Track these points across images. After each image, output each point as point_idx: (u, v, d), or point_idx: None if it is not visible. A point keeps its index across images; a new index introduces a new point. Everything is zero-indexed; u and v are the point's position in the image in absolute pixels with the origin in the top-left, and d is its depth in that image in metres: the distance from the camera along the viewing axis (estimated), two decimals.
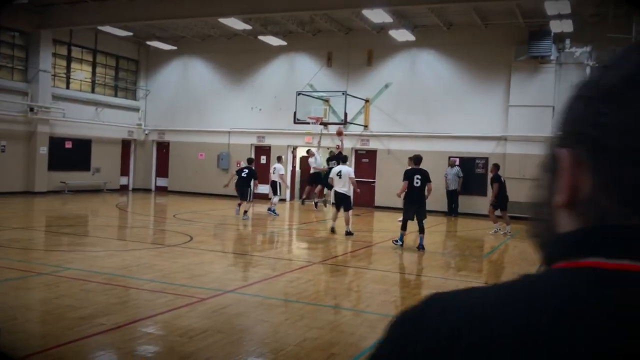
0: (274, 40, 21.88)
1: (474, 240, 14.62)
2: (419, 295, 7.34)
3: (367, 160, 21.54)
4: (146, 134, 25.50)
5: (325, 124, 20.17)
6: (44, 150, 21.16)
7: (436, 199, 18.93)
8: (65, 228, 12.77)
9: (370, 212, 19.83)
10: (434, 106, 20.39)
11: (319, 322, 5.89)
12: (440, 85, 20.41)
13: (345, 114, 19.66)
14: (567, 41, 18.56)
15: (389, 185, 20.02)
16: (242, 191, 15.61)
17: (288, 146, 22.99)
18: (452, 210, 19.34)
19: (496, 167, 14.91)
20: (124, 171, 25.23)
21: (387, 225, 15.67)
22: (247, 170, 15.83)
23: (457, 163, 19.68)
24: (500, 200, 14.38)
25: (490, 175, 16.00)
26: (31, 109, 20.69)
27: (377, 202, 20.86)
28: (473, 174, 19.82)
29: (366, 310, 6.66)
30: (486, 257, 11.56)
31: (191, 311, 6.05)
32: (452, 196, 19.32)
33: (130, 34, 22.46)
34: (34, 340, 4.93)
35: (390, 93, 21.01)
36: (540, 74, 18.93)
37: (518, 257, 11.20)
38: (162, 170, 25.56)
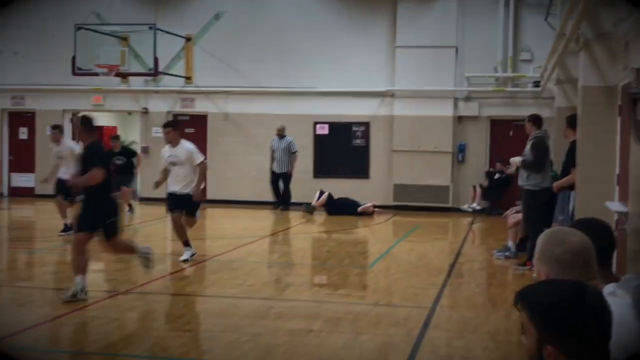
0: None
1: (355, 244, 15.21)
2: (281, 329, 7.52)
3: (192, 129, 21.42)
4: None
5: (123, 75, 19.72)
6: None
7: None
8: None
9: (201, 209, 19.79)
10: (290, 50, 20.78)
11: None
12: (298, 20, 20.88)
13: (156, 60, 19.35)
14: None
15: (231, 168, 20.12)
16: None
17: (65, 111, 22.16)
18: (282, 201, 19.82)
19: None
20: None
21: (226, 227, 15.74)
22: None
23: (285, 133, 19.76)
24: None
25: None
26: None
27: (211, 194, 20.84)
28: (349, 147, 20.55)
29: (207, 357, 6.70)
30: (372, 267, 12.09)
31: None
32: (278, 180, 19.90)
33: None
34: None
35: (223, 29, 21.04)
36: (437, 3, 19.97)
37: (417, 264, 11.86)
38: None
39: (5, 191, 22.57)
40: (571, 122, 10.59)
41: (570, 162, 10.25)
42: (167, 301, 9.14)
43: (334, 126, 20.76)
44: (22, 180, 22.59)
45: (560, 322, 2.10)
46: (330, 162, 20.51)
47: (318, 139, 20.89)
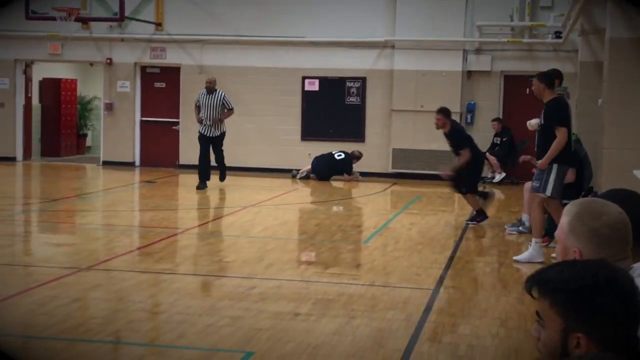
0: None
1: (348, 217, 15.26)
2: (265, 312, 7.56)
3: (163, 84, 21.37)
4: None
5: (84, 20, 19.61)
6: None
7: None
8: None
9: (173, 176, 19.82)
10: None
11: None
12: None
13: (122, 3, 19.22)
14: None
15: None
16: None
17: (17, 61, 22.04)
18: (221, 173, 17.61)
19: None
20: None
21: (199, 196, 15.76)
22: None
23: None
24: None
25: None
26: None
27: (184, 159, 20.84)
28: (342, 106, 20.49)
29: (180, 344, 6.74)
30: (368, 242, 12.14)
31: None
32: (209, 148, 17.32)
33: None
34: None
35: None
36: None
37: (418, 240, 11.91)
38: None
39: None
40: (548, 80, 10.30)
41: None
42: (135, 279, 9.16)
43: (325, 82, 20.67)
44: None
45: (593, 306, 2.08)
46: (321, 122, 20.45)
47: (306, 96, 20.81)
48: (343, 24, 20.25)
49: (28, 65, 22.49)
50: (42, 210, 15.06)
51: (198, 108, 17.06)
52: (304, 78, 20.73)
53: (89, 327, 7.24)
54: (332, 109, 20.43)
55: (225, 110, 17.06)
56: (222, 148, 17.34)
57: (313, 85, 20.78)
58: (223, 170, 17.41)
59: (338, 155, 19.24)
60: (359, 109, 20.57)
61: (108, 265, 9.62)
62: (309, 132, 20.66)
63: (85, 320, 7.50)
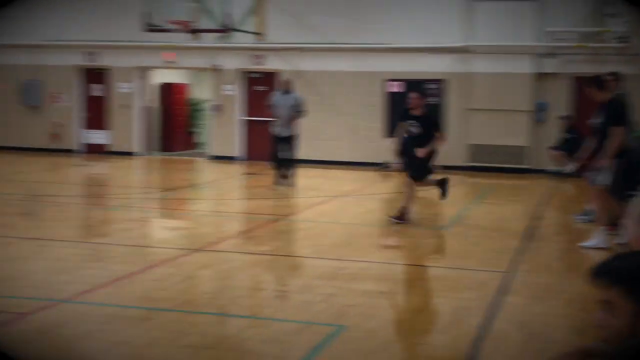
0: None
1: (429, 205, 15.17)
2: (357, 289, 7.60)
3: (264, 87, 21.54)
4: None
5: (195, 32, 19.87)
6: None
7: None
8: None
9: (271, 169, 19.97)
10: (362, 5, 20.64)
11: (213, 339, 6.00)
12: None
13: (228, 16, 19.44)
14: None
15: (303, 127, 20.02)
16: None
17: (137, 68, 22.54)
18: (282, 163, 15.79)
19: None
20: None
21: (298, 187, 15.84)
22: None
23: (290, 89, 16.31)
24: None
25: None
26: None
27: None
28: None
29: (279, 317, 6.82)
30: (446, 229, 12.06)
31: (4, 336, 5.95)
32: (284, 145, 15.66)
33: None
34: None
35: None
36: None
37: (493, 227, 11.79)
38: None
39: (80, 147, 23.15)
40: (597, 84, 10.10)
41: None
42: (240, 260, 9.31)
43: (406, 84, 20.57)
44: (96, 137, 23.14)
45: None
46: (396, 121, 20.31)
47: (389, 97, 20.77)
48: (423, 31, 20.12)
49: (147, 71, 22.98)
50: (159, 198, 15.40)
51: (274, 109, 15.61)
52: (386, 80, 20.68)
53: (200, 301, 7.41)
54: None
55: (297, 112, 15.45)
56: (293, 149, 15.54)
57: (395, 87, 20.70)
58: (290, 170, 15.58)
59: None
60: (438, 108, 20.40)
61: (216, 247, 9.80)
62: (392, 129, 20.54)
63: (196, 295, 7.68)
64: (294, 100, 15.41)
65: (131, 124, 22.85)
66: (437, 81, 20.46)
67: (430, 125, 11.57)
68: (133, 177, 18.94)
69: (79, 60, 22.91)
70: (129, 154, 22.53)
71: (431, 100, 20.30)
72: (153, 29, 19.44)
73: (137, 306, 6.99)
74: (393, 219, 11.22)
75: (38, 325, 6.23)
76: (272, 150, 15.67)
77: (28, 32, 22.84)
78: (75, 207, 13.91)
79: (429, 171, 11.84)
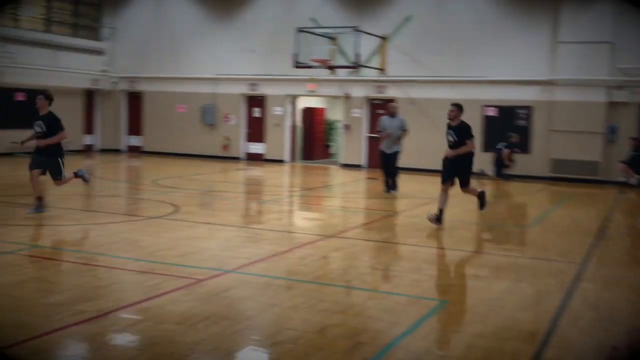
0: None
1: (517, 208, 14.77)
2: (457, 272, 7.49)
3: (383, 111, 21.47)
4: (114, 83, 25.39)
5: (332, 68, 20.07)
6: None
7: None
8: (21, 198, 12.86)
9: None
10: (464, 45, 20.32)
11: (341, 307, 6.03)
12: (472, 20, 20.29)
13: (357, 55, 19.54)
14: None
15: (414, 143, 20.00)
16: (37, 160, 10.49)
17: (287, 96, 22.97)
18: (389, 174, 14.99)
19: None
20: (88, 128, 25.25)
21: (410, 189, 15.72)
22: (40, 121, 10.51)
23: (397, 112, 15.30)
24: None
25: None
26: None
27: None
28: (512, 127, 19.78)
29: (394, 291, 6.80)
30: (531, 227, 11.68)
31: (188, 295, 6.18)
32: (389, 161, 14.85)
33: None
34: (8, 330, 5.06)
35: (411, 29, 20.85)
36: (596, 4, 18.70)
37: (570, 226, 11.34)
38: (135, 126, 25.56)
39: (243, 156, 23.81)
40: None
41: None
42: (363, 245, 9.33)
43: (500, 109, 20.11)
44: (255, 148, 23.75)
45: None
46: (497, 139, 19.81)
47: (485, 120, 20.31)
48: (514, 66, 19.64)
49: (294, 98, 23.37)
50: (301, 195, 15.62)
51: (381, 130, 14.71)
52: (484, 106, 20.23)
53: (332, 276, 7.47)
54: (506, 129, 19.72)
55: (402, 131, 14.67)
56: (397, 164, 14.75)
57: (491, 112, 20.23)
58: (395, 181, 14.79)
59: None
60: (526, 129, 19.79)
61: (344, 235, 9.85)
62: (488, 145, 20.09)
63: (329, 271, 7.75)
64: (400, 122, 14.75)
65: (282, 138, 23.30)
66: (526, 107, 19.87)
67: (463, 134, 10.27)
68: (282, 179, 19.29)
69: (244, 89, 23.56)
70: (279, 161, 22.98)
71: (521, 122, 19.81)
72: (300, 65, 19.75)
73: (284, 277, 7.13)
74: (433, 218, 10.35)
75: (211, 289, 6.44)
76: (381, 163, 15.06)
77: (208, 68, 23.71)
78: (239, 200, 14.31)
79: (468, 179, 10.52)
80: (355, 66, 19.85)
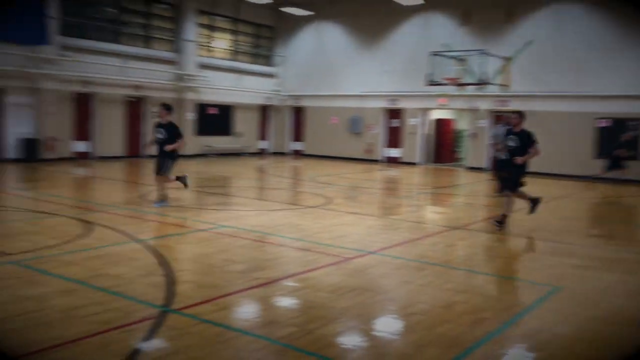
0: (409, 0, 21.48)
1: (627, 208, 13.57)
2: (570, 263, 7.03)
3: (504, 122, 20.56)
4: (282, 100, 26.38)
5: (461, 85, 19.51)
6: (191, 116, 22.76)
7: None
8: (213, 188, 13.74)
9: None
10: (580, 63, 18.97)
11: (466, 287, 5.88)
12: (587, 40, 18.94)
13: (484, 74, 18.84)
14: None
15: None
16: (159, 163, 10.27)
17: (421, 109, 22.67)
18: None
19: None
20: (262, 135, 26.44)
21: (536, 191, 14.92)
22: (162, 129, 10.19)
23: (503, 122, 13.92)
24: None
25: None
26: (179, 78, 22.27)
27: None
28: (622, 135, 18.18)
29: (515, 276, 6.52)
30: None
31: (338, 270, 6.30)
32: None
33: (270, 0, 23.19)
34: (204, 290, 5.44)
35: (532, 50, 19.80)
36: None
37: None
38: (298, 134, 26.43)
39: (383, 159, 23.81)
40: None
41: None
42: (484, 237, 8.99)
43: (612, 121, 18.53)
44: (393, 152, 23.66)
45: None
46: (608, 148, 18.25)
47: (598, 130, 18.81)
48: (625, 82, 18.05)
49: (427, 111, 22.99)
50: (431, 192, 15.33)
51: (495, 138, 13.46)
52: (597, 119, 18.75)
53: (457, 261, 7.28)
54: (616, 138, 18.15)
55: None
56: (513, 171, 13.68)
57: (603, 123, 18.71)
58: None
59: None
60: (636, 138, 18.09)
61: (468, 227, 9.56)
62: (601, 152, 18.60)
63: (454, 257, 7.55)
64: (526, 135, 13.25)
65: (415, 144, 23.03)
66: (637, 119, 18.18)
67: (525, 140, 9.01)
68: (415, 179, 19.05)
69: (384, 104, 23.54)
70: (413, 163, 22.73)
71: (632, 133, 18.14)
72: (433, 83, 19.41)
73: (416, 260, 7.05)
74: (495, 223, 9.22)
75: (357, 266, 6.52)
76: (495, 169, 14.06)
77: (356, 86, 23.96)
78: (379, 195, 14.32)
79: (521, 184, 9.29)
80: (482, 83, 19.15)
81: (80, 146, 19.84)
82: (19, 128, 18.15)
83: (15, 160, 17.91)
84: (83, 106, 19.83)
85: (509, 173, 9.24)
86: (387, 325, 4.76)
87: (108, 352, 3.89)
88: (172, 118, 10.52)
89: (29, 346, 3.89)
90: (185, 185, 10.80)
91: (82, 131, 19.86)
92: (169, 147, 10.02)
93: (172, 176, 10.42)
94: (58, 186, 13.20)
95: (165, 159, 10.17)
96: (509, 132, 9.40)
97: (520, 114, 9.28)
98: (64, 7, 18.75)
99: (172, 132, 10.08)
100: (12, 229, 8.05)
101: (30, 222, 8.55)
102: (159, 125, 10.20)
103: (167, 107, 10.24)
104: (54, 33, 18.21)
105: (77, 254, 6.58)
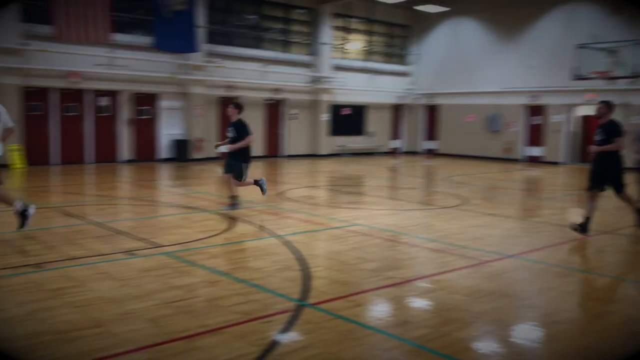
0: None
1: None
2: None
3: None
4: (416, 98, 26.11)
5: (612, 78, 17.99)
6: (325, 116, 23.32)
7: None
8: (346, 187, 13.95)
9: None
10: None
11: (617, 296, 5.42)
12: None
13: (637, 66, 17.19)
14: None
15: None
16: (228, 163, 9.93)
17: (565, 105, 21.22)
18: None
19: None
20: (395, 135, 26.36)
21: None
22: (232, 127, 9.83)
23: None
24: None
25: None
26: (315, 80, 22.92)
27: None
28: None
29: (587, 270, 5.90)
30: None
31: (474, 273, 6.10)
32: None
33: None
34: (338, 286, 5.55)
35: None
36: None
37: None
38: (432, 133, 26.01)
39: (523, 158, 22.67)
40: None
41: None
42: (636, 243, 8.21)
43: None
44: (534, 151, 22.42)
45: None
46: None
47: None
48: None
49: (572, 107, 21.47)
50: (576, 194, 14.25)
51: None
52: None
53: (607, 268, 6.70)
54: None
55: None
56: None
57: None
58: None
59: None
60: None
61: (619, 231, 8.75)
62: None
63: (604, 264, 6.95)
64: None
65: (559, 143, 21.62)
66: None
67: (610, 132, 7.94)
68: (558, 179, 17.87)
69: (525, 100, 22.40)
70: (556, 163, 21.36)
71: None
72: (580, 77, 18.13)
73: (560, 265, 6.61)
74: (578, 227, 8.22)
75: (494, 270, 6.25)
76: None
77: (494, 83, 23.03)
78: (518, 196, 13.61)
79: (622, 183, 8.17)
80: (636, 76, 17.51)
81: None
82: (170, 130, 19.80)
83: (168, 160, 19.58)
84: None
85: (611, 175, 8.19)
86: (527, 332, 4.52)
87: (248, 341, 4.11)
88: (241, 116, 9.84)
89: (178, 332, 4.24)
90: (263, 190, 10.24)
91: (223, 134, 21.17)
92: (233, 147, 9.59)
93: (250, 179, 10.03)
94: (205, 184, 14.20)
95: (236, 162, 9.70)
96: (598, 125, 8.26)
97: (606, 104, 8.12)
98: (210, 16, 20.13)
99: (241, 131, 9.64)
100: (166, 223, 8.81)
101: (181, 217, 9.30)
102: (230, 125, 9.82)
103: (237, 106, 9.79)
104: (202, 41, 19.61)
105: (222, 247, 7.04)
